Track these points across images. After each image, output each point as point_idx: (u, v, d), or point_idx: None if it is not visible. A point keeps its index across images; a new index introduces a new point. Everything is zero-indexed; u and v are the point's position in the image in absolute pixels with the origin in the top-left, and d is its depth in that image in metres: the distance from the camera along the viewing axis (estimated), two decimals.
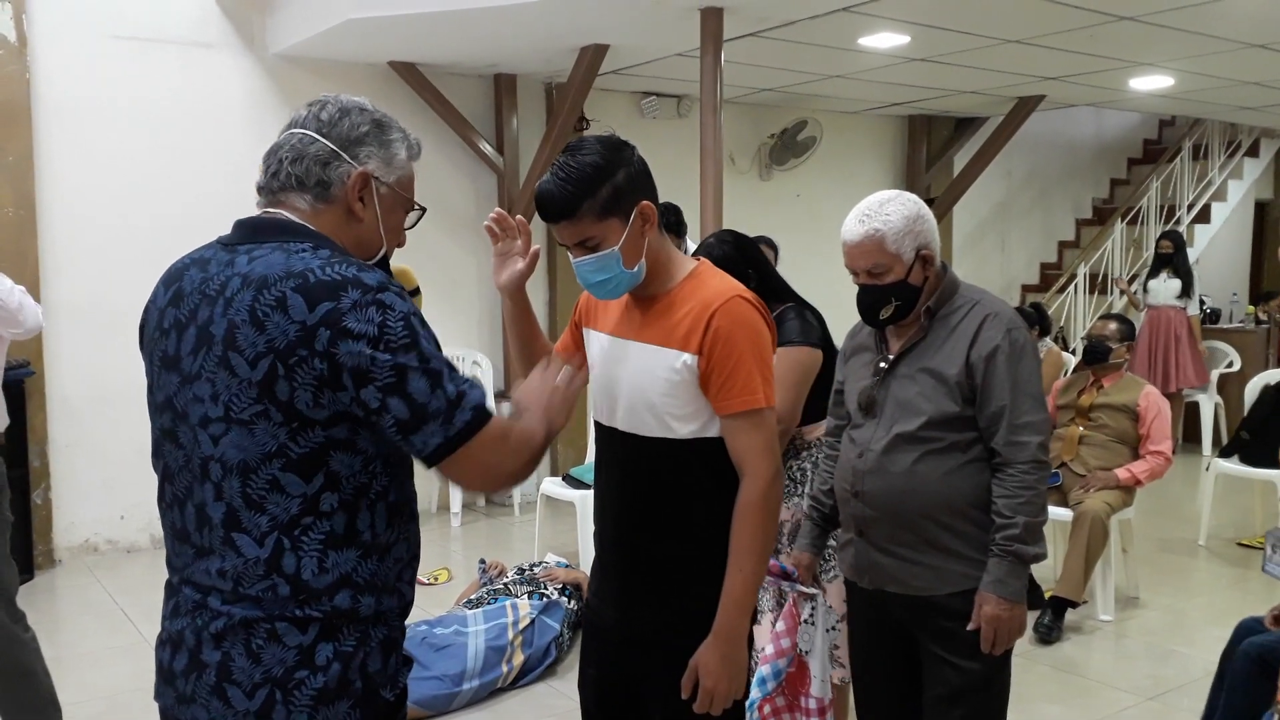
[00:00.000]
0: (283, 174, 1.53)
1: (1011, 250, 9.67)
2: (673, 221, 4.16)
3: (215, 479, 1.43)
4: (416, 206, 1.65)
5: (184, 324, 1.47)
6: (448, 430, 1.41)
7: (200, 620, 1.45)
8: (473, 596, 4.27)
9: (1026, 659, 4.04)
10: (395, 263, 1.67)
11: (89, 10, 5.40)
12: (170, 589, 1.53)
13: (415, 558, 1.60)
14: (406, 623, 1.62)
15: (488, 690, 3.75)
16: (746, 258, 2.90)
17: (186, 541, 1.48)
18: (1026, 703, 3.65)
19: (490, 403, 1.42)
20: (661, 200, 1.92)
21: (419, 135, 1.67)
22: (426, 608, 4.57)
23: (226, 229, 1.56)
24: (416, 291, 1.71)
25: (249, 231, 1.51)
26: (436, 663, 3.68)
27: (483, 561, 4.64)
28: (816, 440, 3.01)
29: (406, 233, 1.66)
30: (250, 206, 1.57)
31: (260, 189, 1.56)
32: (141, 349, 1.57)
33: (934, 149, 8.76)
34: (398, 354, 1.39)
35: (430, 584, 5.07)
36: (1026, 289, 9.71)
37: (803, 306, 2.94)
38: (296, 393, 1.38)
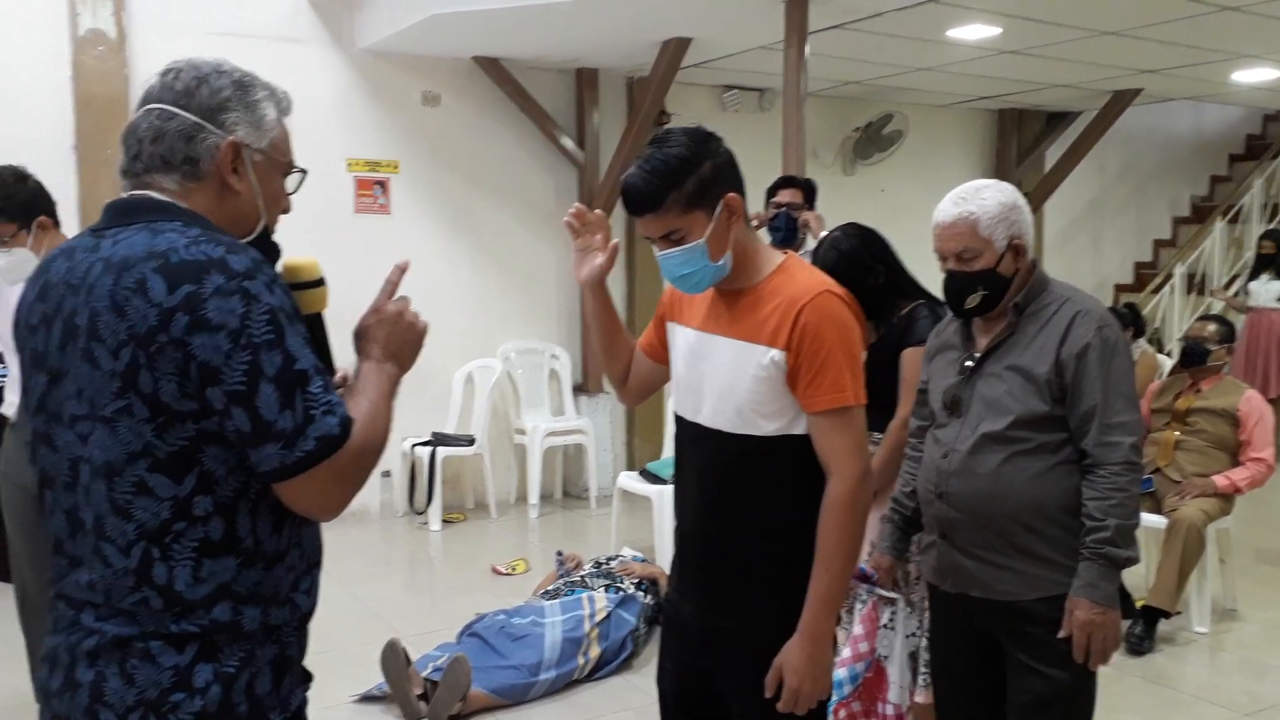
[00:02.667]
0: (144, 155, 1.40)
1: (1104, 249, 9.39)
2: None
3: (84, 482, 1.33)
4: (296, 169, 1.52)
5: (50, 318, 1.37)
6: (285, 457, 1.29)
7: (74, 638, 1.35)
8: (550, 588, 4.30)
9: (1116, 669, 3.90)
10: (301, 256, 1.52)
11: (185, 7, 5.56)
12: (50, 603, 1.43)
13: (315, 565, 1.48)
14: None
15: (564, 682, 3.76)
16: (874, 251, 2.83)
17: (60, 551, 1.39)
18: (1116, 714, 3.53)
19: (339, 428, 1.32)
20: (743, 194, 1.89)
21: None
22: (504, 598, 4.62)
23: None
24: (321, 283, 1.53)
25: (116, 214, 1.40)
26: (514, 652, 3.70)
27: (560, 553, 4.66)
28: None
29: (289, 200, 1.54)
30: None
31: (123, 173, 1.43)
32: (16, 350, 1.47)
33: (1025, 144, 8.55)
34: (258, 353, 1.27)
35: (508, 574, 5.13)
36: (1120, 289, 9.42)
37: (935, 303, 2.81)
38: (161, 383, 1.27)
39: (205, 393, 1.28)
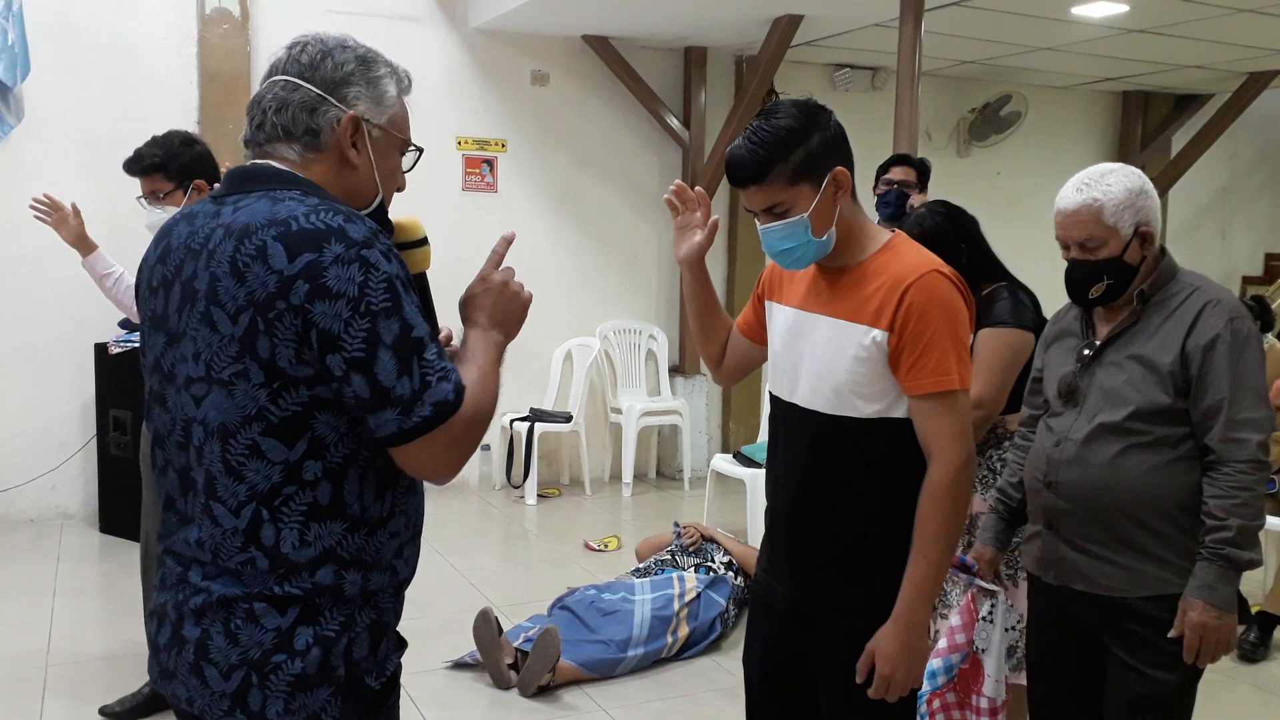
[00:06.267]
0: (268, 125, 1.43)
1: (1233, 239, 8.95)
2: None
3: (197, 442, 1.37)
4: (413, 147, 1.54)
5: (170, 281, 1.41)
6: (403, 422, 1.30)
7: (181, 595, 1.39)
8: (640, 566, 4.31)
9: (1227, 676, 3.75)
10: (403, 214, 1.56)
11: None
12: (159, 560, 1.47)
13: (417, 534, 1.51)
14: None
15: (652, 659, 3.77)
16: (960, 230, 2.76)
17: (172, 509, 1.44)
18: None
19: (454, 394, 1.33)
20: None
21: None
22: (596, 573, 4.66)
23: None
24: (424, 242, 1.56)
25: (237, 182, 1.43)
26: (604, 627, 3.73)
27: (677, 524, 4.67)
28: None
29: (404, 177, 1.55)
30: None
31: (246, 142, 1.47)
32: (138, 309, 1.51)
33: (1150, 128, 8.19)
34: (376, 320, 1.29)
35: (601, 550, 5.17)
36: (1248, 281, 8.97)
37: (1016, 286, 2.76)
38: (278, 349, 1.30)
39: (325, 360, 1.30)
